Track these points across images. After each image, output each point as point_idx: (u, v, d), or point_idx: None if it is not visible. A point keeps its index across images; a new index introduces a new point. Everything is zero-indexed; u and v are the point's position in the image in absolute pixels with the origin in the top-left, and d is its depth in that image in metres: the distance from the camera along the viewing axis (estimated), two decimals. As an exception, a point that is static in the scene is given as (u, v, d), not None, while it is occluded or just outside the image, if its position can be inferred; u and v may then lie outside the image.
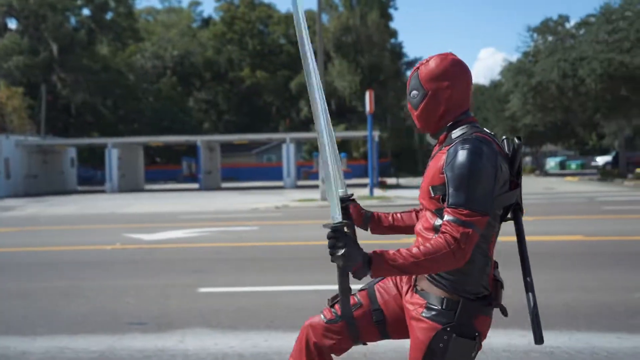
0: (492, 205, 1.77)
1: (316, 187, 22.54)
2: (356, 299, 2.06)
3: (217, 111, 56.60)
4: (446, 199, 1.77)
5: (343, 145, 44.37)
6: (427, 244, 1.73)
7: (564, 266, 7.07)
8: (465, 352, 1.83)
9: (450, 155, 1.78)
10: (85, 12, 48.50)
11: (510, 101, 33.60)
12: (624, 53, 26.54)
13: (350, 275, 1.75)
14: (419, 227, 1.97)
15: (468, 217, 1.72)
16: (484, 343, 4.30)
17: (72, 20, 47.96)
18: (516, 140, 1.91)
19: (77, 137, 40.62)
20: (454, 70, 1.89)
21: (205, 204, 19.98)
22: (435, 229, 1.85)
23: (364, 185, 26.06)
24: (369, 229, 2.26)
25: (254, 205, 18.58)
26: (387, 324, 2.04)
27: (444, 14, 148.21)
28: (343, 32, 45.91)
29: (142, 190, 32.16)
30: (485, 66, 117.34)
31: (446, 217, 1.74)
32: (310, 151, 46.25)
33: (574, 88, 28.55)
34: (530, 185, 28.06)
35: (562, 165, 49.35)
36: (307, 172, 40.15)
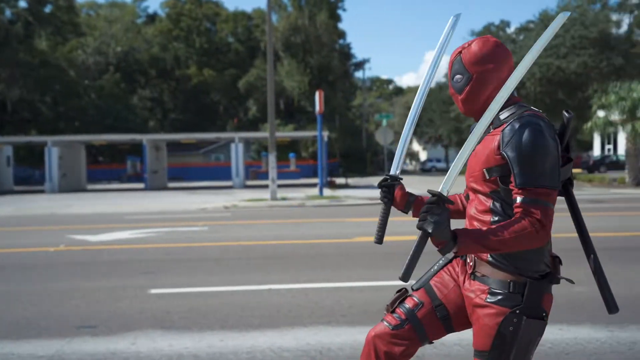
0: (559, 178, 1.77)
1: (265, 187, 22.46)
2: (416, 300, 2.01)
3: (162, 109, 55.44)
4: (513, 179, 1.74)
5: (292, 146, 44.40)
6: (512, 224, 1.71)
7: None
8: (535, 333, 1.82)
9: (506, 135, 1.76)
10: (22, 4, 46.42)
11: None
12: (560, 58, 27.87)
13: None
14: (472, 211, 1.94)
15: (542, 195, 1.72)
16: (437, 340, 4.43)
17: (8, 12, 45.76)
18: (566, 114, 1.91)
19: (14, 134, 38.86)
20: (497, 52, 1.89)
21: (152, 204, 19.55)
22: (492, 211, 1.83)
23: (313, 185, 26.19)
24: (409, 213, 2.21)
25: (203, 205, 18.33)
26: (451, 318, 1.99)
27: (391, 16, 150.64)
28: (292, 32, 45.94)
29: (84, 190, 31.11)
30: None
31: (519, 198, 1.73)
32: (258, 151, 46.06)
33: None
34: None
35: (504, 165, 51.13)
36: (256, 171, 39.96)
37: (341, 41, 51.31)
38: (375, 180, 35.06)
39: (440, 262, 2.08)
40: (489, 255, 1.83)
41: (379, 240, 2.17)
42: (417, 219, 1.78)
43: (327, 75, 43.10)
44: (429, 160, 60.65)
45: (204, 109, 53.88)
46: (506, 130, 1.77)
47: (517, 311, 1.78)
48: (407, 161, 74.99)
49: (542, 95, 29.18)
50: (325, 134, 28.13)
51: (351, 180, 34.27)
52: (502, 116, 1.86)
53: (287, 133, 38.58)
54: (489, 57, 1.87)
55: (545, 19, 30.86)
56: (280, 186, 22.07)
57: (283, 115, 46.97)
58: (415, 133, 51.40)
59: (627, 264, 6.98)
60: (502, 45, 1.91)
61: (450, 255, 2.05)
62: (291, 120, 47.04)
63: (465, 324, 1.98)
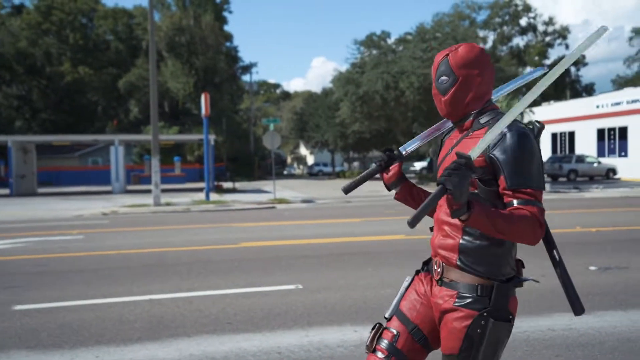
0: (544, 180, 1.83)
1: (148, 191, 21.54)
2: (392, 331, 1.99)
3: (31, 109, 51.14)
4: (504, 181, 1.78)
5: (176, 149, 43.05)
6: (519, 212, 1.73)
7: (388, 263, 7.66)
8: (502, 335, 1.83)
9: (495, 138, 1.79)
10: None
11: (340, 109, 35.54)
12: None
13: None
14: (441, 215, 1.95)
15: (534, 195, 1.77)
16: (318, 340, 4.48)
17: None
18: (537, 124, 1.92)
19: None
20: (482, 58, 1.93)
21: (20, 211, 17.94)
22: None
23: (199, 190, 25.56)
24: (394, 190, 2.19)
25: (78, 212, 17.15)
26: (427, 337, 1.99)
27: (279, 22, 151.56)
28: (176, 32, 44.57)
29: (-63, 197, 27.78)
30: (317, 74, 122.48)
31: (515, 201, 1.77)
32: (141, 154, 44.03)
33: (395, 99, 31.18)
34: (359, 189, 29.88)
35: (385, 169, 53.33)
36: (138, 176, 38.19)
37: (228, 44, 50.76)
38: (264, 184, 35.04)
39: (405, 282, 2.10)
40: (458, 260, 1.87)
41: (346, 190, 2.16)
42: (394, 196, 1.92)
43: (214, 77, 42.35)
44: (315, 164, 61.76)
45: (80, 109, 50.54)
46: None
47: (485, 314, 1.81)
48: (295, 165, 75.87)
49: (420, 103, 30.88)
50: (212, 137, 27.60)
51: (239, 185, 33.94)
52: (482, 120, 1.92)
53: (172, 136, 37.33)
54: (475, 62, 1.91)
55: (421, 32, 32.72)
56: (164, 191, 21.28)
57: (167, 117, 45.41)
58: (302, 138, 51.89)
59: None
60: (485, 52, 1.96)
61: (409, 277, 2.10)
62: (176, 122, 45.58)
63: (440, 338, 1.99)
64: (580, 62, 59.74)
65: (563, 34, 57.19)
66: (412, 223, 1.65)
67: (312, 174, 58.23)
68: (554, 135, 38.32)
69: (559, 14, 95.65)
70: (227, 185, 31.35)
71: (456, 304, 1.85)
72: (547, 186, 24.81)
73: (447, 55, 1.93)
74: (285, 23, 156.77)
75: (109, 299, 5.83)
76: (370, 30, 79.59)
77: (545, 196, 20.96)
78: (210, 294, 5.97)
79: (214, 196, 22.68)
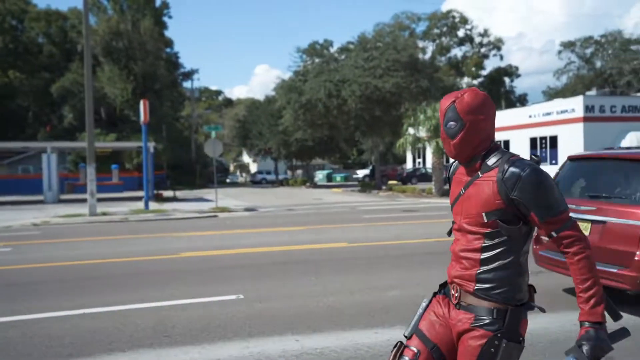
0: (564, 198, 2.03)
1: (84, 201, 20.70)
2: (413, 349, 2.11)
3: (-44, 114, 48.27)
4: (535, 217, 1.97)
5: (114, 157, 41.65)
6: (581, 261, 1.95)
7: (330, 271, 7.67)
8: (513, 356, 1.98)
9: (509, 180, 1.96)
10: None
11: (283, 117, 35.52)
12: (377, 78, 30.18)
13: None
14: (458, 249, 2.11)
15: (564, 218, 1.98)
16: (259, 350, 4.40)
17: None
18: (534, 157, 2.09)
19: None
20: (487, 104, 2.07)
21: (-59, 223, 16.80)
22: (482, 249, 2.02)
23: (138, 199, 24.81)
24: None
25: (6, 222, 16.25)
26: (445, 356, 2.11)
27: (223, 29, 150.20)
28: (113, 36, 43.23)
29: None
30: (261, 81, 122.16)
31: (554, 232, 1.97)
32: (76, 162, 42.32)
33: (338, 107, 31.48)
34: (302, 197, 29.96)
35: (329, 177, 53.71)
36: (73, 184, 36.67)
37: (168, 49, 49.77)
38: (206, 192, 34.43)
39: (423, 304, 2.24)
40: (475, 288, 2.03)
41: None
42: None
43: (153, 83, 41.31)
44: (259, 172, 61.38)
45: (10, 115, 48.09)
46: (507, 176, 1.97)
47: (499, 334, 1.97)
48: (238, 173, 75.11)
49: (361, 112, 31.28)
50: (152, 144, 26.93)
51: (180, 193, 33.21)
52: (490, 162, 2.05)
53: (109, 143, 36.14)
54: (480, 108, 2.04)
55: (363, 41, 33.26)
56: (101, 200, 20.50)
57: (104, 124, 43.91)
58: (244, 145, 51.32)
59: (422, 268, 7.72)
60: (489, 98, 2.10)
61: (427, 299, 2.25)
62: (113, 129, 44.14)
63: (457, 356, 2.11)
64: (514, 74, 62.42)
65: (497, 45, 59.54)
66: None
67: (256, 182, 57.83)
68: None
69: (495, 26, 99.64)
70: (167, 193, 30.61)
71: (473, 324, 2.01)
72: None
73: (454, 101, 2.06)
74: (229, 30, 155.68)
75: (38, 314, 5.52)
76: (314, 38, 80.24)
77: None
78: (147, 307, 5.77)
79: (153, 205, 22.08)
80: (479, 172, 2.06)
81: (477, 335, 1.99)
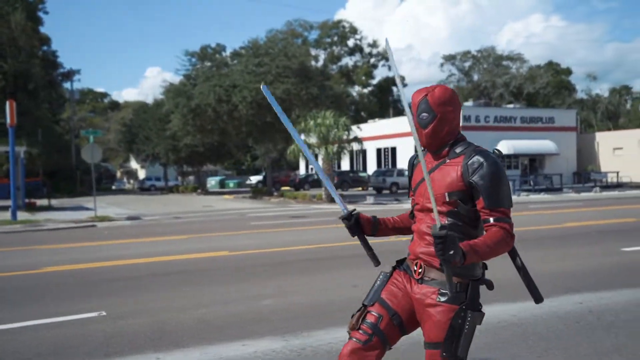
0: (512, 199, 2.24)
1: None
2: (375, 314, 2.32)
3: None
4: (482, 202, 2.17)
5: (-19, 162, 37.89)
6: (493, 236, 2.13)
7: (208, 281, 7.39)
8: (477, 322, 2.22)
9: (472, 165, 2.19)
10: None
11: (171, 121, 34.32)
12: (268, 84, 30.13)
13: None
14: (423, 227, 2.31)
15: (506, 213, 2.18)
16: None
17: None
18: (496, 151, 2.35)
19: None
20: (455, 98, 2.31)
21: None
22: (443, 228, 2.08)
23: (6, 208, 22.72)
24: (375, 233, 2.55)
25: None
26: (404, 323, 2.33)
27: (110, 28, 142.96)
28: (-20, 30, 39.37)
29: None
30: (152, 84, 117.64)
31: (492, 218, 2.17)
32: None
33: (228, 113, 30.95)
34: (192, 204, 29.10)
35: (221, 184, 52.77)
36: None
37: (45, 47, 46.26)
38: (86, 200, 32.29)
39: (381, 277, 2.44)
40: (440, 263, 2.11)
41: (377, 263, 2.54)
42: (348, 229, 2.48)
43: (26, 83, 38.08)
44: (147, 178, 58.93)
45: None
46: (471, 161, 2.20)
47: (464, 307, 2.19)
48: (125, 179, 71.63)
49: (253, 118, 31.00)
50: (22, 149, 24.81)
51: (57, 202, 30.95)
52: (458, 150, 2.28)
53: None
54: (449, 101, 2.28)
55: (254, 47, 33.06)
56: (-41, 210, 18.48)
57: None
58: (131, 150, 48.92)
59: (316, 274, 7.71)
60: (456, 93, 2.35)
61: (388, 270, 2.47)
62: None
63: (414, 325, 2.35)
64: (401, 83, 65.30)
65: (386, 56, 62.02)
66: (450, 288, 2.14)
67: (144, 188, 55.47)
68: (378, 151, 41.19)
69: (384, 37, 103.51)
70: (42, 202, 28.36)
71: (439, 299, 2.21)
72: (372, 199, 26.46)
73: (426, 95, 2.28)
74: (118, 30, 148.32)
75: None
76: (207, 42, 78.78)
77: (368, 207, 22.32)
78: (7, 328, 5.17)
79: (23, 215, 20.30)
80: (447, 158, 2.28)
81: (444, 310, 2.19)
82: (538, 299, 2.37)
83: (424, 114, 2.27)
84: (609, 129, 51.17)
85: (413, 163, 2.50)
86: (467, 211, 2.22)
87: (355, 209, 2.53)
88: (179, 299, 6.33)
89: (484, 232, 2.22)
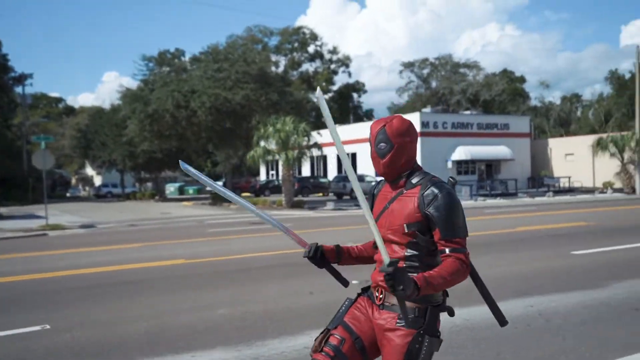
0: (467, 228, 2.27)
1: None
2: (338, 337, 2.32)
3: None
4: (439, 233, 2.19)
5: None
6: (449, 267, 2.14)
7: (162, 291, 7.20)
8: (434, 348, 2.23)
9: (428, 197, 2.21)
10: None
11: (128, 127, 33.58)
12: (227, 90, 29.84)
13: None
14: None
15: (462, 244, 2.21)
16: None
17: None
18: (451, 180, 2.40)
19: None
20: (413, 129, 2.34)
21: None
22: (404, 258, 2.24)
23: (-50, 217, 21.73)
24: (339, 261, 2.54)
25: None
26: (366, 348, 2.32)
27: (66, 32, 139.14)
28: None
29: None
30: (110, 89, 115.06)
31: (447, 249, 2.19)
32: None
33: (187, 118, 30.49)
34: (149, 211, 28.47)
35: (181, 190, 51.84)
36: None
37: (-5, 50, 44.62)
38: (38, 208, 31.20)
39: (346, 302, 2.45)
40: None
41: (346, 284, 2.56)
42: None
43: (-25, 87, 36.65)
44: (104, 185, 57.42)
45: None
46: (427, 193, 2.22)
47: (422, 331, 2.21)
48: (80, 186, 69.64)
49: (212, 124, 30.65)
50: (-31, 155, 23.81)
51: (6, 210, 29.84)
52: (414, 180, 2.30)
53: None
54: (407, 132, 2.31)
55: (214, 53, 32.75)
56: None
57: None
58: (86, 157, 47.67)
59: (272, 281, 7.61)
60: (413, 124, 2.37)
61: (353, 296, 2.47)
62: None
63: (376, 351, 2.34)
64: (361, 90, 65.90)
65: (346, 62, 62.45)
66: (405, 318, 2.08)
67: (100, 195, 54.04)
68: (338, 156, 41.30)
69: (346, 44, 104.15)
70: (-10, 210, 27.27)
71: (398, 324, 2.23)
72: (332, 204, 26.48)
73: (384, 125, 2.31)
74: (73, 34, 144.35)
75: None
76: (167, 47, 77.40)
77: (328, 213, 22.31)
78: None
79: (-31, 224, 19.44)
80: (404, 189, 2.31)
81: (403, 334, 2.21)
82: (502, 322, 2.42)
83: (382, 144, 2.30)
84: (561, 135, 52.83)
85: (374, 193, 2.49)
86: (426, 242, 2.26)
87: (317, 243, 2.54)
88: (130, 310, 6.14)
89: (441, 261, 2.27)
